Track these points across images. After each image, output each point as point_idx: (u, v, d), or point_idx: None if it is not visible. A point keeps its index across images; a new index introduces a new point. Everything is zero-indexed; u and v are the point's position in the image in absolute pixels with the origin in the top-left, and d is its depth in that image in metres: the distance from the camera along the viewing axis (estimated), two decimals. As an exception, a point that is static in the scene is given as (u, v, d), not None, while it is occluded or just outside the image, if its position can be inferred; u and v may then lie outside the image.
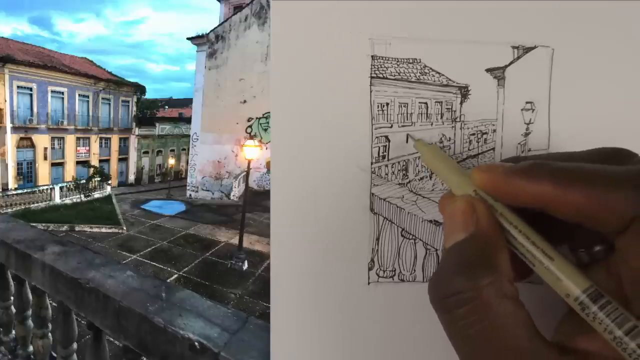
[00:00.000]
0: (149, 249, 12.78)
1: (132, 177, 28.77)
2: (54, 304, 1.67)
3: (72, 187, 20.03)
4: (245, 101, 20.34)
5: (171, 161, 29.73)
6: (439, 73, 0.40)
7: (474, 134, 0.41)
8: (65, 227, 14.93)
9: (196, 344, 1.00)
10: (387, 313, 0.41)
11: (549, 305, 0.31)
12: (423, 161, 0.40)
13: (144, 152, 29.58)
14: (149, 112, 32.78)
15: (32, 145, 22.69)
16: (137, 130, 28.74)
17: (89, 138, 25.87)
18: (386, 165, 0.41)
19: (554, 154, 0.36)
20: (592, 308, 0.26)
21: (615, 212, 0.26)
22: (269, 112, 0.41)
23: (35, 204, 17.78)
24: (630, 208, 0.26)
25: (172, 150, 30.85)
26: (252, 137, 18.35)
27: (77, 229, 14.95)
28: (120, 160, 28.06)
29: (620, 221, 0.26)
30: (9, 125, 20.88)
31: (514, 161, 0.32)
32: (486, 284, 0.27)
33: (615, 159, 0.30)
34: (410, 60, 0.40)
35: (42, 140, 23.02)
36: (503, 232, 0.29)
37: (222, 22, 21.81)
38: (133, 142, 28.67)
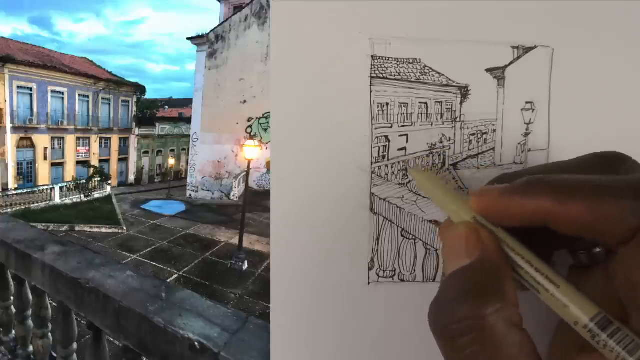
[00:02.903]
0: (149, 249, 12.78)
1: (132, 177, 28.76)
2: (54, 304, 1.67)
3: (72, 187, 20.03)
4: (245, 101, 20.34)
5: (171, 161, 29.73)
6: (439, 73, 0.40)
7: (474, 134, 0.41)
8: (65, 227, 14.92)
9: (196, 344, 1.00)
10: (387, 313, 0.41)
11: (545, 312, 0.31)
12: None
13: (144, 152, 29.58)
14: (149, 112, 32.76)
15: (32, 145, 22.69)
16: (137, 130, 28.74)
17: (89, 138, 25.87)
18: (386, 165, 0.41)
19: (545, 165, 0.36)
20: (602, 336, 0.25)
21: (618, 223, 0.26)
22: (269, 112, 0.41)
23: (35, 204, 17.77)
24: (631, 219, 0.25)
25: (172, 150, 30.85)
26: (252, 137, 18.35)
27: (77, 229, 14.95)
28: (120, 160, 28.05)
29: (623, 232, 0.26)
30: (9, 125, 20.87)
31: (506, 179, 0.32)
32: (492, 311, 0.26)
33: (608, 165, 0.30)
34: (410, 60, 0.40)
35: (42, 140, 23.01)
36: (508, 259, 0.29)
37: (222, 22, 21.81)
38: (133, 142, 28.66)
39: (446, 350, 0.27)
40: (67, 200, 19.08)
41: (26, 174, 22.62)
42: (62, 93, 23.82)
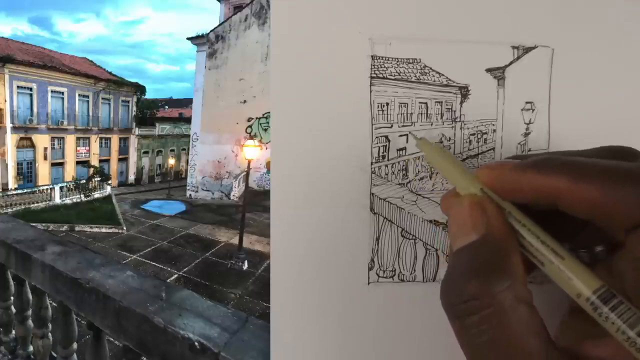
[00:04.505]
0: (149, 249, 12.78)
1: (132, 177, 28.78)
2: (54, 304, 1.67)
3: (72, 187, 20.03)
4: (245, 101, 20.35)
5: (171, 161, 29.74)
6: (439, 73, 0.40)
7: (474, 134, 0.41)
8: (65, 227, 14.93)
9: (196, 344, 1.00)
10: (387, 313, 0.41)
11: (550, 305, 0.31)
12: (427, 160, 0.39)
13: (144, 152, 29.59)
14: (149, 112, 32.75)
15: (32, 145, 22.71)
16: (137, 130, 28.76)
17: (89, 138, 25.88)
18: (386, 165, 0.41)
19: (561, 152, 0.36)
20: (603, 309, 0.25)
21: (629, 208, 0.25)
22: (269, 112, 0.41)
23: (35, 204, 17.78)
24: None
25: (172, 150, 30.87)
26: (252, 137, 18.36)
27: (77, 229, 14.96)
28: (120, 160, 28.07)
29: (633, 218, 0.26)
30: (9, 125, 20.88)
31: (520, 159, 0.32)
32: (500, 289, 0.25)
33: (621, 158, 0.30)
34: (410, 60, 0.40)
35: (42, 140, 23.03)
36: (514, 233, 0.28)
37: (222, 22, 21.82)
38: (133, 142, 28.68)
39: (457, 330, 0.27)
40: (67, 200, 19.09)
41: (26, 174, 22.63)
42: (62, 93, 23.84)
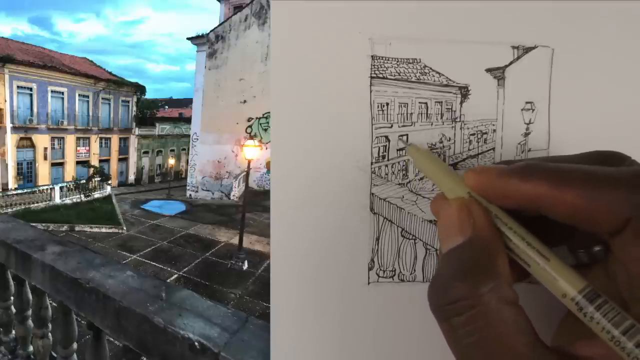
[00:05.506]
0: (149, 249, 12.78)
1: (132, 177, 28.77)
2: (54, 304, 1.67)
3: (72, 187, 20.02)
4: (245, 101, 20.34)
5: (171, 161, 29.74)
6: (439, 73, 0.40)
7: (474, 134, 0.41)
8: (65, 227, 14.92)
9: (196, 344, 1.00)
10: (387, 313, 0.41)
11: (549, 305, 0.31)
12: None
13: (144, 152, 29.59)
14: (149, 112, 32.73)
15: (32, 145, 22.70)
16: (137, 130, 28.75)
17: (89, 138, 25.87)
18: (386, 165, 0.41)
19: (546, 157, 0.36)
20: (588, 308, 0.25)
21: (610, 212, 0.26)
22: (269, 112, 0.41)
23: (35, 204, 17.77)
24: (625, 209, 0.26)
25: (172, 150, 30.86)
26: (252, 137, 18.35)
27: (77, 229, 14.95)
28: (120, 160, 28.06)
29: (615, 222, 0.26)
30: (9, 125, 20.88)
31: (507, 164, 0.32)
32: (487, 290, 0.26)
33: (607, 162, 0.30)
34: (410, 60, 0.40)
35: (42, 140, 23.02)
36: (501, 235, 0.29)
37: (222, 22, 21.81)
38: (133, 142, 28.67)
39: (445, 331, 0.27)
40: (67, 200, 19.08)
41: (26, 174, 22.62)
42: (62, 93, 23.82)
